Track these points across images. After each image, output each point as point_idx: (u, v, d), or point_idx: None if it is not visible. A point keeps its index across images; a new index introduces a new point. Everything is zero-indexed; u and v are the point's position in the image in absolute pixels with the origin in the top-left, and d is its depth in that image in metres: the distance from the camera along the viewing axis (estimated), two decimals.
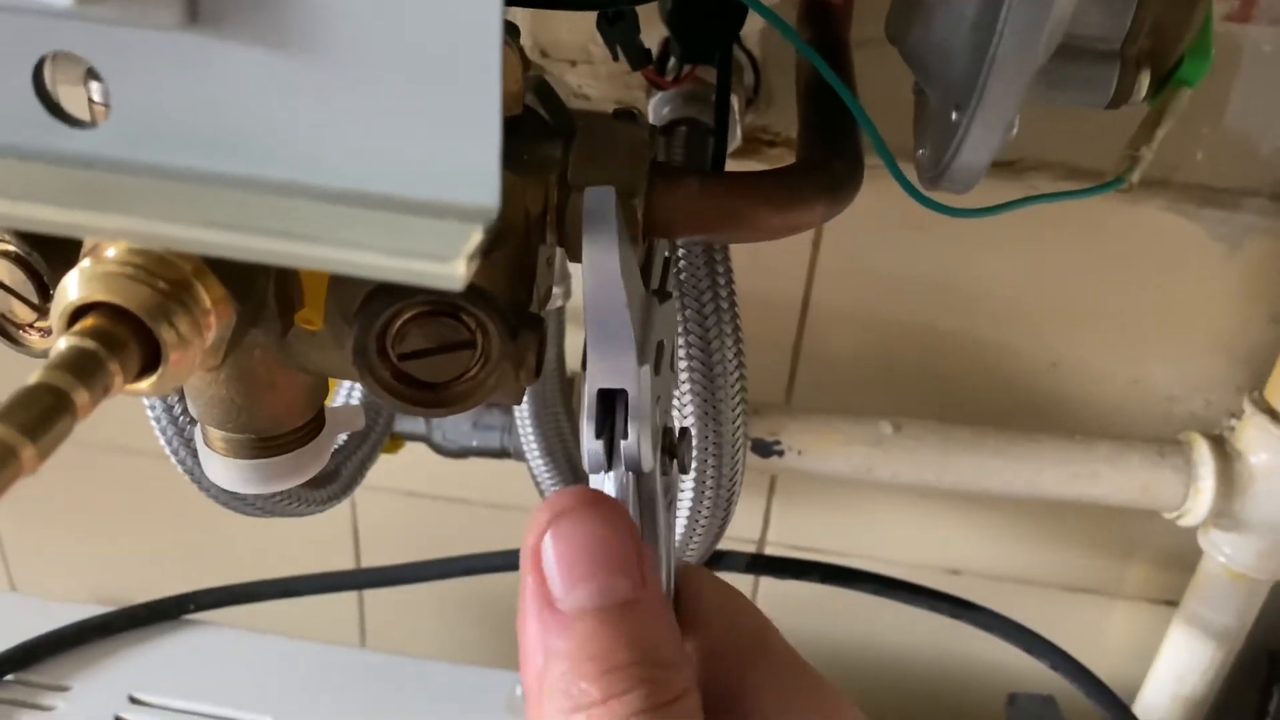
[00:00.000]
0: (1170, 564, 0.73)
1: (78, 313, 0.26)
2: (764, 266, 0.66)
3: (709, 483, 0.47)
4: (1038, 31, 0.26)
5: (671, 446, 0.31)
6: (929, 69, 0.32)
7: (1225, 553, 0.65)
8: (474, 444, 0.60)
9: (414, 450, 0.66)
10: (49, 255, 0.30)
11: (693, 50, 0.50)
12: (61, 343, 0.25)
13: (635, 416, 0.27)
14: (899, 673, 0.80)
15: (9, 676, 0.57)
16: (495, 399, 0.32)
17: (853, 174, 0.35)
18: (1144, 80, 0.34)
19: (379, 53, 0.21)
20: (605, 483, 0.28)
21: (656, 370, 0.29)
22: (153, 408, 0.45)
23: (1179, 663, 0.70)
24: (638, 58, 0.47)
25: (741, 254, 0.46)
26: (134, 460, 0.78)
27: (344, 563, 0.80)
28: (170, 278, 0.26)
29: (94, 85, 0.27)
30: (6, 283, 0.31)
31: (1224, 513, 0.62)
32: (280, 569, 0.69)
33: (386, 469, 0.65)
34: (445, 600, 0.80)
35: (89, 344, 0.24)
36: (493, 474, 0.69)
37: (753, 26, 0.58)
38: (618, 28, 0.45)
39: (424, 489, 0.77)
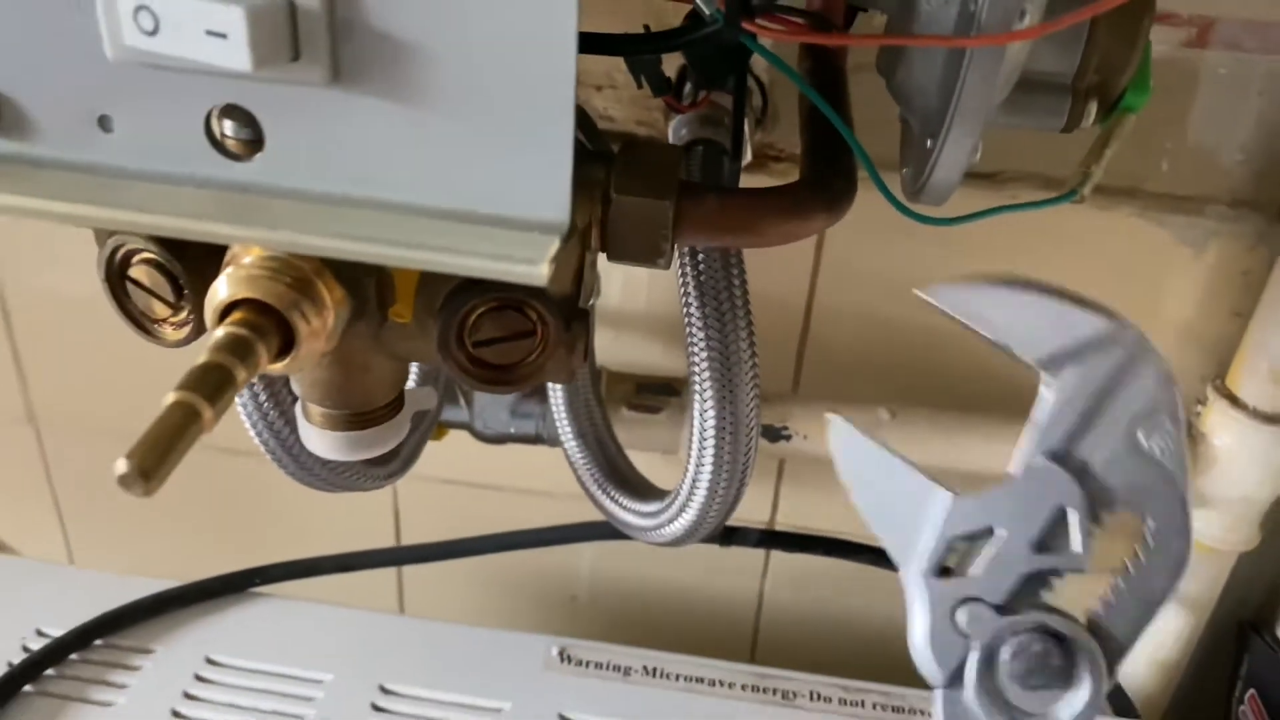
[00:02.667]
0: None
1: (228, 308, 0.32)
2: (772, 272, 0.73)
3: (725, 459, 0.53)
4: (994, 77, 0.32)
5: None
6: (910, 103, 0.38)
7: (1194, 528, 0.71)
8: (512, 430, 0.67)
9: (451, 441, 0.72)
10: (185, 263, 0.37)
11: (707, 78, 0.57)
12: (219, 332, 0.31)
13: None
14: (895, 639, 0.86)
15: (98, 641, 0.63)
16: (551, 379, 0.39)
17: (848, 190, 0.41)
18: (1092, 108, 0.41)
19: (478, 103, 0.28)
20: None
21: None
22: (244, 406, 0.51)
23: (1155, 629, 0.76)
24: (660, 86, 0.54)
25: (753, 262, 0.52)
26: (205, 455, 0.85)
27: (386, 545, 0.87)
28: (299, 278, 0.32)
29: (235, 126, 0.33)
30: (148, 284, 0.37)
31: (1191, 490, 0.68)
32: (327, 551, 0.75)
33: (426, 459, 0.71)
34: (476, 575, 0.86)
35: (242, 331, 0.31)
36: (522, 462, 0.76)
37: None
38: (643, 61, 0.52)
39: (460, 477, 0.84)
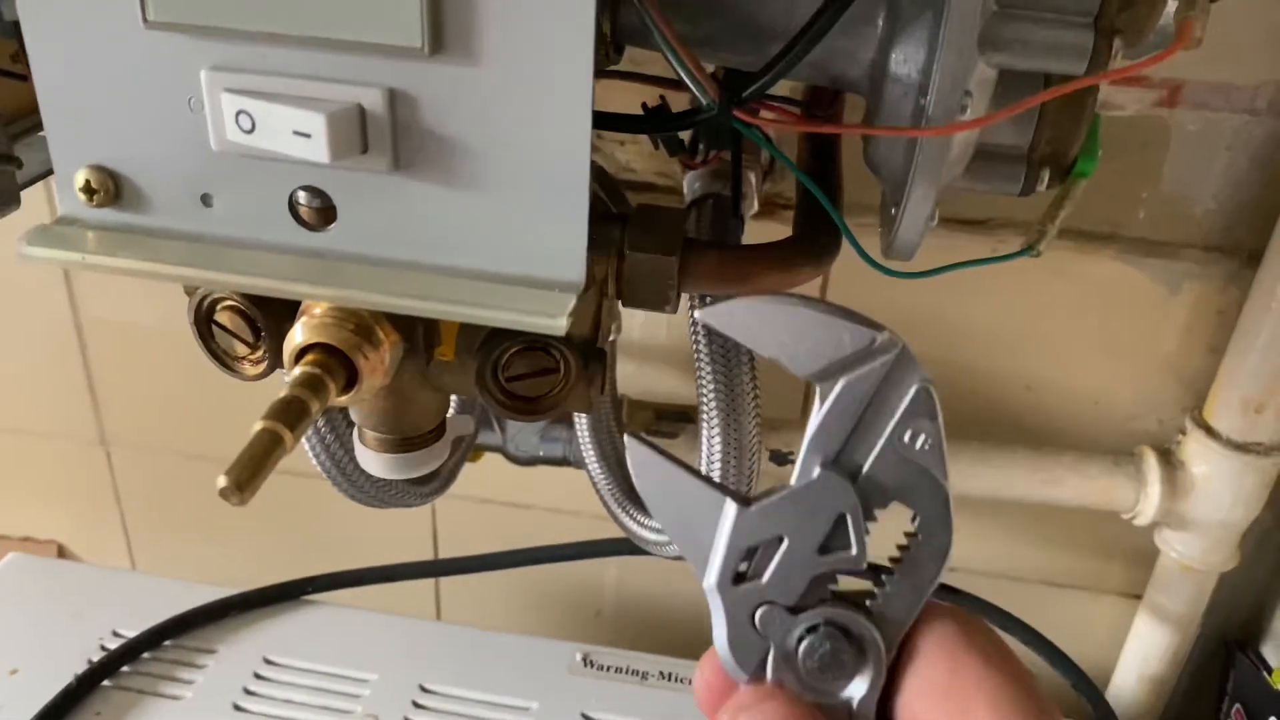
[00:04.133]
0: (1137, 562, 0.84)
1: (303, 351, 0.39)
2: None
3: (730, 481, 0.59)
4: (941, 159, 0.38)
5: None
6: (880, 173, 0.44)
7: (1177, 549, 0.76)
8: (541, 453, 0.73)
9: (485, 464, 0.78)
10: (263, 309, 0.43)
11: (716, 139, 0.63)
12: (296, 371, 0.38)
13: None
14: None
15: (167, 642, 0.70)
16: (572, 409, 0.45)
17: (831, 247, 0.47)
18: (1045, 175, 0.46)
19: (510, 187, 0.34)
20: None
21: None
22: (308, 438, 0.57)
23: (1143, 646, 0.81)
24: (674, 148, 0.61)
25: None
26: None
27: (425, 558, 0.93)
28: (361, 325, 0.39)
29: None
30: (230, 328, 0.44)
31: (1171, 513, 0.73)
32: (373, 564, 0.82)
33: (463, 480, 0.78)
34: (508, 588, 0.93)
35: (315, 370, 0.38)
36: (550, 483, 0.82)
37: None
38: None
39: (493, 496, 0.90)
